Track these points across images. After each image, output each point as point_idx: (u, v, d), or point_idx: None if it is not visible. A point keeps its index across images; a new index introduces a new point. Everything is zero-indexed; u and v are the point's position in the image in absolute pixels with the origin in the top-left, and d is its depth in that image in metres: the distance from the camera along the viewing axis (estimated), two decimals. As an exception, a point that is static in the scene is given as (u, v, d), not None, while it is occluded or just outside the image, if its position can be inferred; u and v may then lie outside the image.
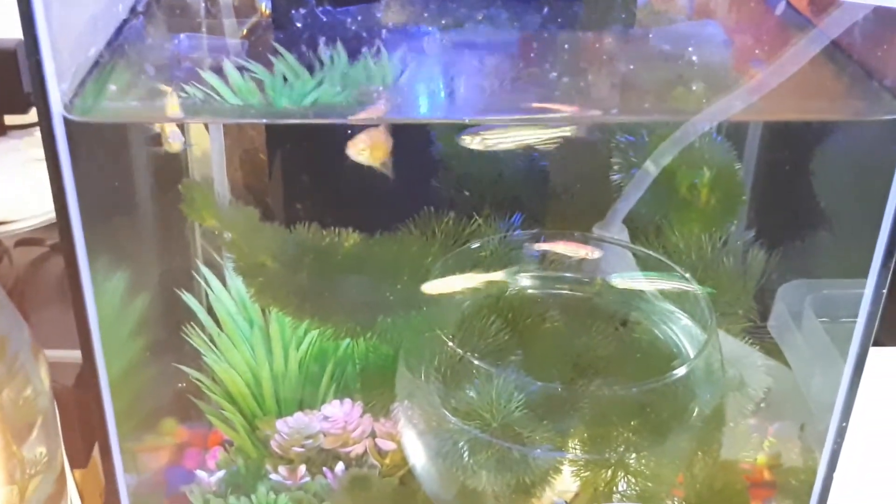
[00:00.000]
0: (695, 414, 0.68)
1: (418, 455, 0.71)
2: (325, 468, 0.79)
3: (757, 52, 0.63)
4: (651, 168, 0.63)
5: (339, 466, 0.78)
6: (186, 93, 0.57)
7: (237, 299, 0.80)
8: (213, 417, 0.81)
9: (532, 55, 0.62)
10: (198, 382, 0.80)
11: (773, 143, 0.74)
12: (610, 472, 0.67)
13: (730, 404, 0.73)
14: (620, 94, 0.62)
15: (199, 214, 0.68)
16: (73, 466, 0.78)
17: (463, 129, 0.59)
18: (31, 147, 1.12)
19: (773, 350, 0.76)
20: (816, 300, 0.75)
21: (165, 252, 0.79)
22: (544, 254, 0.72)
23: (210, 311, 0.80)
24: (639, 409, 0.66)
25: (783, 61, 0.58)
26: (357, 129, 0.62)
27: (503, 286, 0.70)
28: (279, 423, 0.79)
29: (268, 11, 0.66)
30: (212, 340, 0.80)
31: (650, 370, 0.67)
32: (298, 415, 0.80)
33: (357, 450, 0.79)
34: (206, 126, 0.72)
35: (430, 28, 0.63)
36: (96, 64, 0.57)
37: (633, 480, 0.67)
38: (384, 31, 0.62)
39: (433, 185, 0.73)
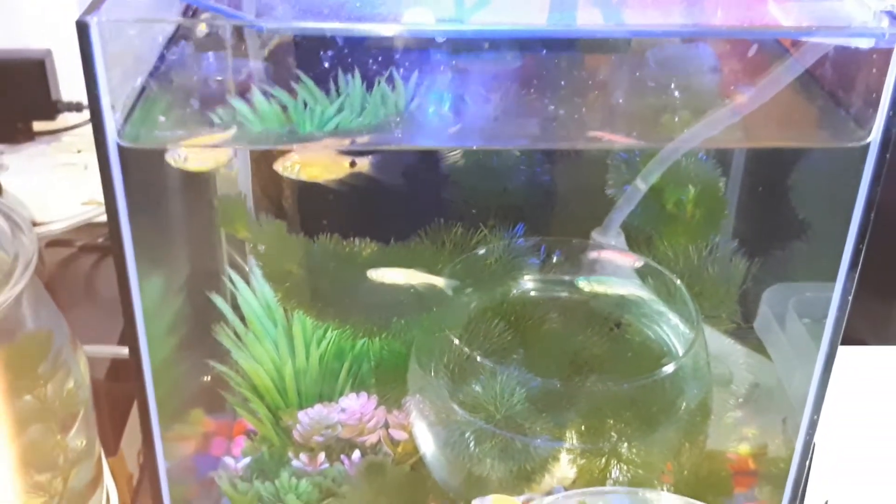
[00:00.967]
0: (682, 407, 0.70)
1: (428, 444, 0.74)
2: (342, 455, 0.80)
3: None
4: (641, 185, 0.67)
5: (356, 454, 0.80)
6: (221, 119, 0.59)
7: (262, 301, 0.81)
8: (240, 409, 0.83)
9: (534, 82, 0.64)
10: (226, 377, 0.81)
11: (758, 162, 0.75)
12: (604, 461, 0.69)
13: (716, 398, 0.74)
14: (615, 120, 0.64)
15: (232, 227, 0.70)
16: (104, 455, 0.79)
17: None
18: (58, 152, 1.14)
19: (759, 350, 0.78)
20: (799, 302, 0.76)
21: (196, 258, 0.80)
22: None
23: (236, 311, 0.81)
24: (631, 403, 0.68)
25: (760, 87, 0.60)
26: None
27: (506, 291, 0.73)
28: (300, 415, 0.81)
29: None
30: (239, 338, 0.81)
31: (641, 367, 0.69)
32: (318, 407, 0.81)
33: (372, 439, 0.81)
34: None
35: (439, 54, 0.63)
36: (142, 92, 0.59)
37: (626, 468, 0.69)
38: (398, 55, 0.62)
39: (443, 199, 0.74)
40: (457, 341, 0.69)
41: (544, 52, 0.64)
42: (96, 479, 0.77)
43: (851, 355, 0.85)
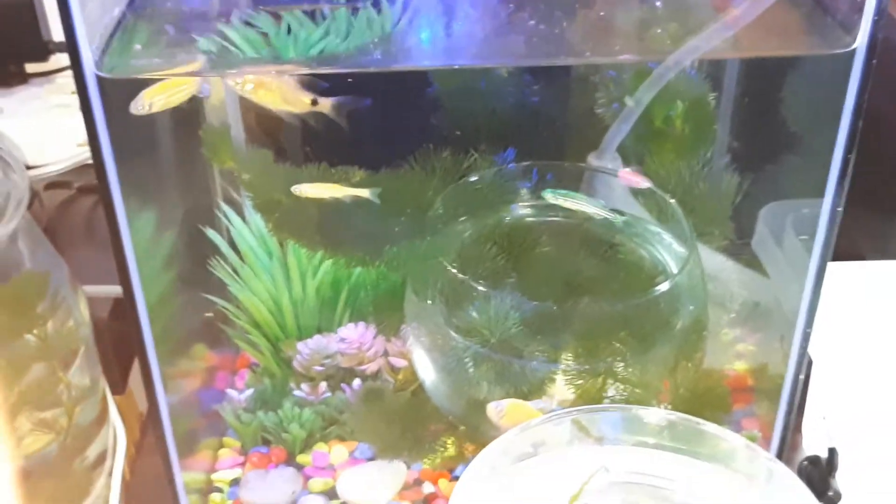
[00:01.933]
0: (678, 325, 0.70)
1: (427, 370, 0.74)
2: (343, 384, 0.82)
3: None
4: (636, 106, 0.65)
5: (356, 382, 0.81)
6: (203, 49, 0.59)
7: (256, 233, 0.81)
8: (240, 342, 0.84)
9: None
10: (225, 311, 0.82)
11: (747, 75, 0.74)
12: (600, 381, 0.69)
13: (712, 316, 0.74)
14: (605, 38, 0.63)
15: (218, 157, 0.70)
16: (112, 393, 0.81)
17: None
18: (52, 94, 1.13)
19: (755, 268, 0.78)
20: (796, 219, 0.75)
21: (188, 192, 0.80)
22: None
23: (232, 244, 0.81)
24: (626, 323, 0.68)
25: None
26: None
27: (499, 216, 0.72)
28: (300, 345, 0.82)
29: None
30: (235, 272, 0.81)
31: (636, 287, 0.69)
32: (317, 337, 0.82)
33: (371, 367, 0.82)
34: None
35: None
36: (119, 23, 0.59)
37: (622, 387, 0.69)
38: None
39: (432, 124, 0.73)
40: (451, 268, 0.68)
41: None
42: (102, 416, 0.78)
43: (849, 270, 0.85)
